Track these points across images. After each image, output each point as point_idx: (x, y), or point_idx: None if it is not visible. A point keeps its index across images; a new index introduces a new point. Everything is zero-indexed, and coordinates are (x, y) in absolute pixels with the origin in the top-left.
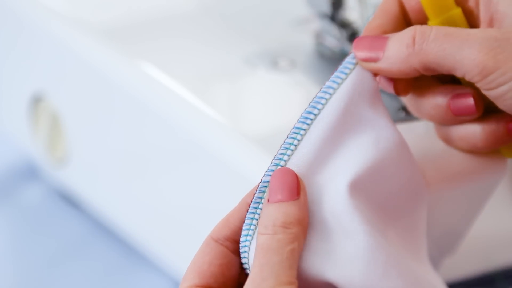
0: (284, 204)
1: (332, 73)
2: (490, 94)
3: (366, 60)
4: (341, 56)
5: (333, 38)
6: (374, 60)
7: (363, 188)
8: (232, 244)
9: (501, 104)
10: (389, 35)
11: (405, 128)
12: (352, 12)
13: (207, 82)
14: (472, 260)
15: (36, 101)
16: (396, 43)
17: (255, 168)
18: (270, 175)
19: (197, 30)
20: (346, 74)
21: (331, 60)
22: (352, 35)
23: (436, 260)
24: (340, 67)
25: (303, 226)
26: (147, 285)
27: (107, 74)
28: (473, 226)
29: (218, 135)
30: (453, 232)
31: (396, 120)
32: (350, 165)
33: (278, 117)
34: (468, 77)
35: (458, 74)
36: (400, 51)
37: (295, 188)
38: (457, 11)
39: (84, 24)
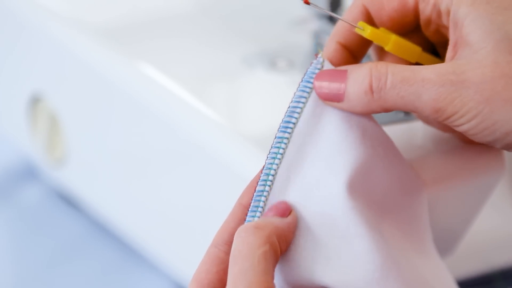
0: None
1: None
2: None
3: (329, 100)
4: None
5: None
6: (337, 101)
7: (358, 186)
8: (230, 248)
9: (467, 137)
10: (348, 70)
11: (403, 128)
12: None
13: (205, 83)
14: (471, 260)
15: (35, 101)
16: (355, 87)
17: (253, 168)
18: (263, 184)
19: (195, 30)
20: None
21: None
22: None
23: None
24: (308, 73)
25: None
26: (145, 285)
27: (105, 75)
28: (472, 226)
29: (216, 135)
30: (451, 232)
31: (395, 120)
32: (342, 165)
33: (276, 118)
34: (430, 119)
35: (420, 116)
36: (360, 97)
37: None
38: (394, 37)
39: (83, 24)
